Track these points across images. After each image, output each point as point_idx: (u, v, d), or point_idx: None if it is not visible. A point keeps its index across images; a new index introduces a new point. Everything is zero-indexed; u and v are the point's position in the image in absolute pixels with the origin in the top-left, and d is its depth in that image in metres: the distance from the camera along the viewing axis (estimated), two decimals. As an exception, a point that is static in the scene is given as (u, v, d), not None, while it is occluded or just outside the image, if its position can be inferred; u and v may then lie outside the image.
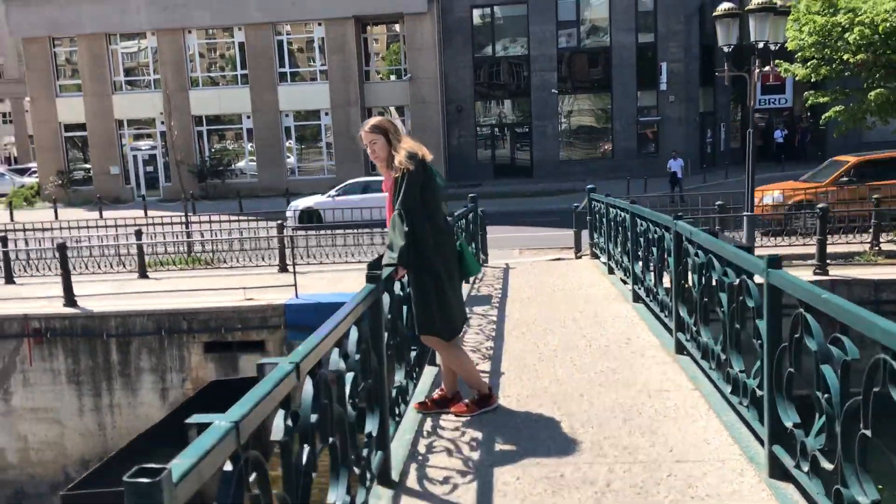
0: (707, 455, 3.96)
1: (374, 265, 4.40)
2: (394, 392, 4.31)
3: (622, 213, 9.19)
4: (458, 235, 5.70)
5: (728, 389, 4.34)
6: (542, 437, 4.34)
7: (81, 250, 15.51)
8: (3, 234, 15.68)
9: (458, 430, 4.54)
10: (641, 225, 7.77)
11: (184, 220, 19.51)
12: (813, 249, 12.47)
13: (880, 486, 2.88)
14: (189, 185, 30.81)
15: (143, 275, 14.39)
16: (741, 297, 4.04)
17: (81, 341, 12.04)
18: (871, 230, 14.08)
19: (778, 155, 35.01)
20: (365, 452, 3.39)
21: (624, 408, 4.77)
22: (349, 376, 3.11)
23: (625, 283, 9.13)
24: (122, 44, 35.61)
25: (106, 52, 34.99)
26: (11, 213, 29.08)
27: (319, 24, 34.19)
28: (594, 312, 7.97)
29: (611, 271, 10.38)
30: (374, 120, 4.60)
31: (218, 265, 15.47)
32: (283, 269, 14.18)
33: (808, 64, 16.84)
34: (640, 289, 7.90)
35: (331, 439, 2.76)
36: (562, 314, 7.98)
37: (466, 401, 4.82)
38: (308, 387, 2.52)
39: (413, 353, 4.97)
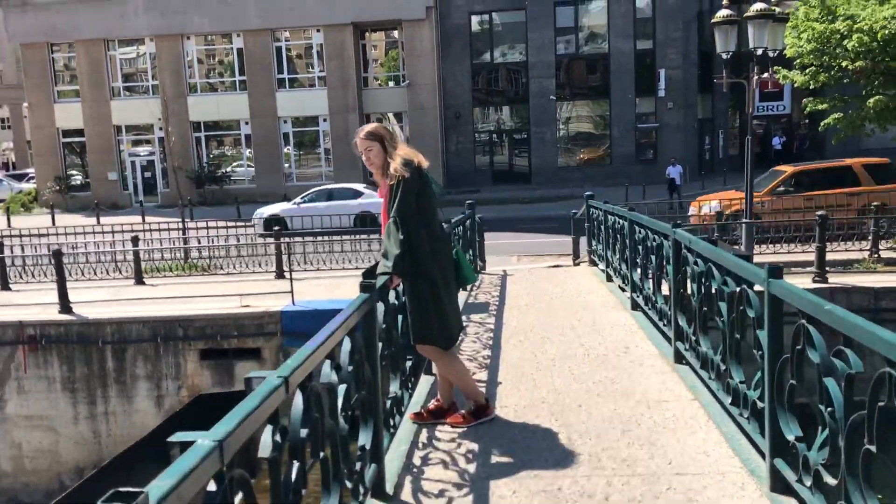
0: (707, 468, 3.89)
1: (369, 274, 4.35)
2: (388, 403, 4.24)
3: (620, 221, 9.14)
4: (455, 243, 5.64)
5: (728, 400, 4.27)
6: (540, 449, 4.27)
7: (78, 256, 15.44)
8: (-2, 240, 15.61)
9: (455, 442, 4.47)
10: (640, 232, 7.71)
11: (181, 226, 19.46)
12: (812, 257, 12.42)
13: None
14: (187, 191, 30.85)
15: (139, 281, 14.32)
16: (741, 307, 3.98)
17: (76, 348, 11.95)
18: (869, 237, 14.03)
19: (776, 162, 34.86)
20: (358, 466, 3.32)
21: (622, 419, 4.70)
22: (341, 388, 3.04)
23: (623, 290, 9.07)
24: (120, 50, 35.59)
25: (104, 58, 34.97)
26: (9, 219, 28.99)
27: (318, 31, 34.20)
28: (592, 320, 7.90)
29: (609, 279, 10.32)
30: (369, 126, 4.55)
31: (215, 271, 15.40)
32: (279, 275, 14.11)
33: (807, 71, 16.82)
34: (638, 297, 7.84)
35: (322, 454, 2.69)
36: (560, 322, 7.92)
37: (463, 411, 4.75)
38: (298, 400, 2.45)
39: (409, 363, 4.90)
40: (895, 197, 16.07)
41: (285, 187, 33.54)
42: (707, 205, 17.54)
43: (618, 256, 9.44)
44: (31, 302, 12.59)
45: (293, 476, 2.32)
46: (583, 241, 13.51)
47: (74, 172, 36.57)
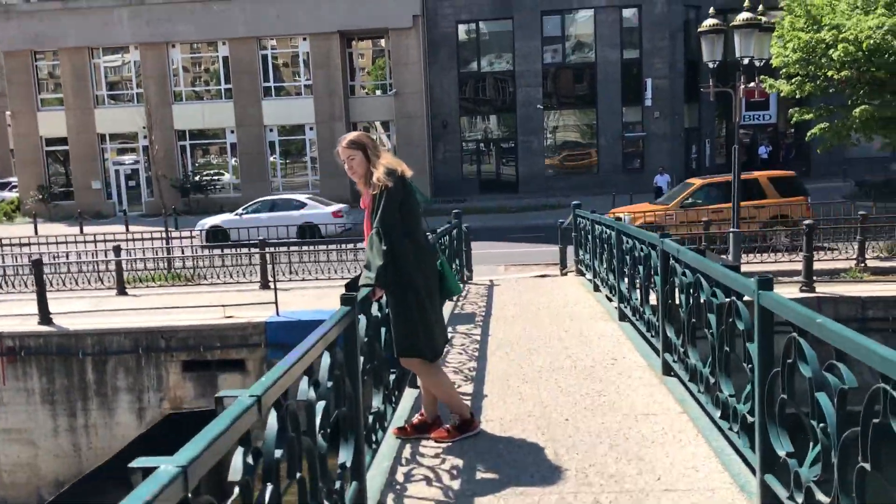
0: (696, 483, 3.81)
1: (352, 285, 4.25)
2: (371, 418, 4.13)
3: (608, 230, 9.08)
4: (441, 253, 5.55)
5: (717, 414, 4.19)
6: (526, 465, 4.18)
7: (59, 266, 15.23)
8: (-22, 249, 15.39)
9: (439, 457, 4.36)
10: (627, 242, 7.65)
11: (164, 235, 19.27)
12: (799, 266, 12.42)
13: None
14: (172, 200, 30.63)
15: (121, 291, 14.14)
16: (730, 319, 3.91)
17: (56, 360, 11.76)
18: (856, 246, 14.05)
19: (762, 170, 35.09)
20: (338, 484, 3.21)
21: (610, 432, 4.61)
22: (320, 405, 2.94)
23: (610, 300, 9.00)
24: (104, 58, 35.38)
25: (88, 66, 34.75)
26: (-9, 228, 28.66)
27: (304, 39, 34.13)
28: (579, 331, 7.83)
29: (596, 288, 10.25)
30: (351, 135, 4.45)
31: (198, 282, 15.23)
32: (264, 285, 13.96)
33: (793, 80, 16.89)
34: (626, 307, 7.77)
35: (299, 474, 2.59)
36: (547, 333, 7.83)
37: (447, 426, 4.65)
38: (272, 420, 2.35)
39: (392, 376, 4.80)
40: (797, 209, 16.42)
41: (272, 196, 33.38)
42: (618, 215, 17.68)
43: (605, 266, 9.38)
44: (10, 313, 12.38)
45: (266, 499, 2.22)
46: (570, 250, 13.45)
47: (58, 181, 36.23)
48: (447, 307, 9.52)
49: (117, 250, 14.71)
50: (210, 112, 34.86)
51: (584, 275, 11.96)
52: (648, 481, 3.86)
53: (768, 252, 14.55)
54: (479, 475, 4.07)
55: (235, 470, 2.02)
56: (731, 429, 3.97)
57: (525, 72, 34.56)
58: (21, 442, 11.82)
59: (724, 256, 13.47)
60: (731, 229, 13.60)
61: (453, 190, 34.33)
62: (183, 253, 17.59)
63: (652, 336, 6.38)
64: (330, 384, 3.10)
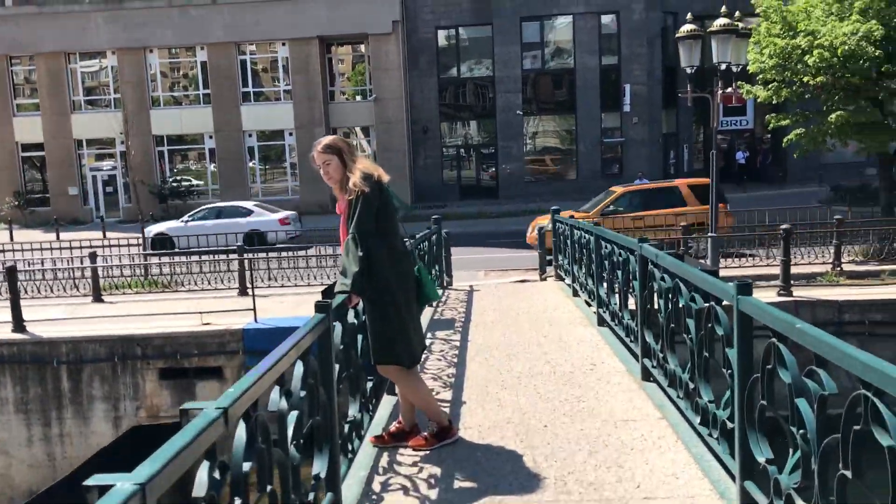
0: (676, 491, 3.77)
1: (328, 292, 4.19)
2: (347, 427, 4.06)
3: (586, 235, 9.06)
4: (417, 259, 5.49)
5: (697, 420, 4.17)
6: (504, 473, 4.12)
7: (34, 273, 15.01)
8: (-50, 256, 15.13)
9: (416, 466, 4.30)
10: (606, 247, 7.63)
11: (141, 241, 19.06)
12: (776, 270, 12.48)
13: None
14: (150, 206, 30.32)
15: (97, 298, 13.95)
16: (710, 324, 3.88)
17: (30, 368, 11.57)
18: (832, 250, 14.15)
19: (740, 176, 35.40)
20: (312, 496, 3.14)
21: (589, 439, 4.57)
22: (293, 416, 2.87)
23: (589, 305, 8.98)
24: (81, 63, 35.03)
25: (65, 71, 34.39)
26: (-36, 236, 28.23)
27: (283, 44, 33.99)
28: (559, 336, 7.79)
29: (575, 294, 10.23)
30: (326, 139, 4.38)
31: (176, 288, 15.07)
32: (242, 292, 13.83)
33: (770, 86, 16.99)
34: (605, 312, 7.74)
35: (269, 487, 2.52)
36: (526, 338, 7.79)
37: (425, 433, 4.58)
38: (241, 432, 2.28)
39: (369, 384, 4.73)
40: (716, 217, 16.38)
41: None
42: (541, 225, 17.79)
43: (584, 271, 9.36)
44: (-17, 321, 12.17)
45: (234, 514, 2.15)
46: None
47: (34, 187, 35.77)
48: (426, 313, 9.46)
49: (93, 257, 14.52)
50: (188, 117, 34.60)
51: (563, 280, 11.94)
52: (628, 489, 3.82)
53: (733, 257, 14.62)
54: (457, 484, 4.01)
55: (200, 485, 1.95)
56: (710, 435, 3.94)
57: (505, 78, 34.62)
58: (-7, 452, 11.61)
59: (702, 261, 13.53)
60: (710, 234, 13.65)
61: (434, 196, 34.30)
62: (160, 260, 17.40)
63: (631, 341, 6.35)
64: (303, 393, 3.04)
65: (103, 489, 1.54)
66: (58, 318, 12.29)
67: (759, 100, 17.71)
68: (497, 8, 33.99)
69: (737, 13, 13.86)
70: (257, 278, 14.53)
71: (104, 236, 23.47)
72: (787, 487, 2.92)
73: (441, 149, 36.09)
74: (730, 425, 3.57)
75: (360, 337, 4.46)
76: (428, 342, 7.78)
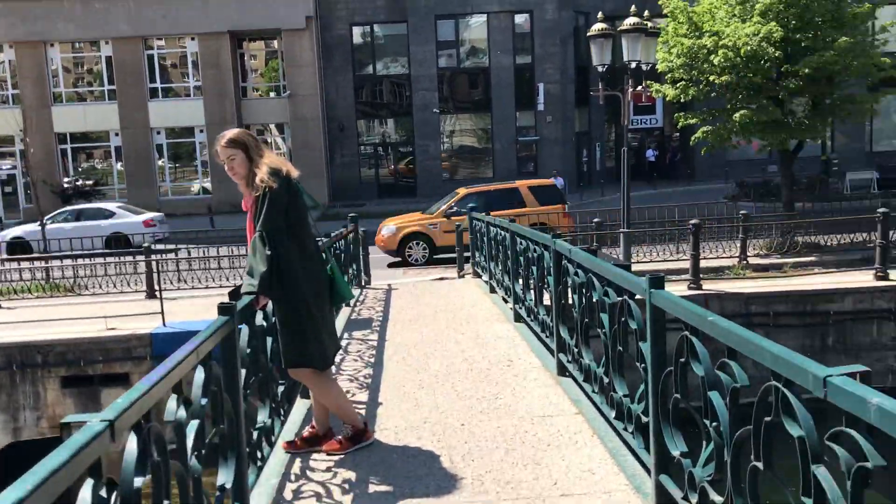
0: (592, 487, 3.76)
1: (235, 294, 4.01)
2: (256, 434, 3.89)
3: (502, 232, 9.07)
4: (331, 257, 5.34)
5: (612, 414, 4.17)
6: (421, 474, 4.03)
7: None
8: None
9: (330, 471, 4.16)
10: (521, 243, 7.64)
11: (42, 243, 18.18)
12: (686, 264, 12.79)
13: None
14: (53, 207, 28.95)
15: (-8, 304, 13.21)
16: (623, 318, 3.88)
17: (-81, 380, 10.85)
18: (738, 244, 14.62)
19: (650, 174, 36.34)
20: (216, 509, 2.98)
21: (506, 437, 4.53)
22: (193, 425, 2.70)
23: (506, 302, 8.99)
24: (-25, 57, 33.22)
25: (-43, 65, 32.56)
26: None
27: (192, 39, 33.02)
28: (476, 333, 7.76)
29: (493, 290, 10.24)
30: (230, 133, 4.19)
31: (79, 292, 14.41)
32: (150, 295, 13.32)
33: (678, 85, 17.42)
34: (521, 308, 7.75)
35: (167, 502, 2.35)
36: (444, 336, 7.73)
37: (340, 437, 4.45)
38: (132, 446, 2.11)
39: (280, 388, 4.56)
40: (554, 217, 17.28)
41: (160, 202, 32.16)
42: (387, 227, 18.54)
43: (500, 268, 9.37)
44: None
45: (124, 535, 1.98)
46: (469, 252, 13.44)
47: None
48: (343, 313, 9.30)
49: (-13, 261, 13.73)
50: (93, 114, 33.24)
51: (480, 277, 11.95)
52: (545, 486, 3.78)
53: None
54: (372, 488, 3.90)
55: (83, 505, 1.78)
56: (626, 429, 3.94)
57: (421, 76, 34.57)
58: None
59: (614, 255, 13.77)
60: (622, 229, 13.90)
61: (351, 194, 33.97)
62: (62, 262, 16.61)
63: (546, 337, 6.36)
64: (205, 401, 2.87)
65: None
66: (-51, 326, 11.56)
67: (667, 98, 18.14)
68: (412, 6, 33.90)
69: (646, 13, 14.15)
70: (166, 280, 14.04)
71: None
72: (701, 480, 2.92)
73: (358, 147, 35.77)
74: (644, 419, 3.58)
75: (269, 340, 4.29)
76: (344, 342, 7.64)
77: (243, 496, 3.34)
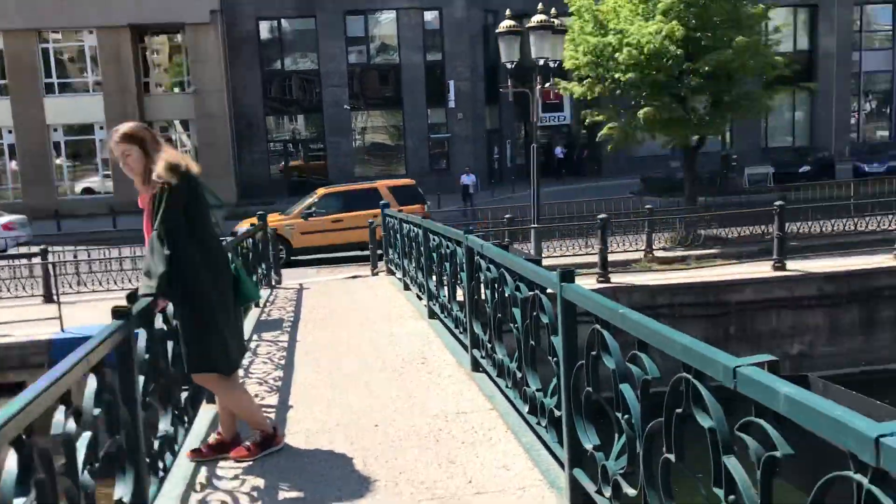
0: (507, 483, 3.73)
1: (133, 297, 3.80)
2: (157, 443, 3.70)
3: (415, 229, 9.01)
4: (237, 256, 5.15)
5: (526, 409, 4.15)
6: (333, 479, 3.92)
7: None
8: None
9: (238, 479, 4.00)
10: (434, 240, 7.59)
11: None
12: (595, 258, 13.03)
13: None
14: (-62, 208, 27.31)
15: None
16: (535, 313, 3.87)
17: None
18: (645, 238, 15.00)
19: (559, 170, 36.99)
20: (113, 525, 2.80)
21: (420, 436, 4.46)
22: (84, 437, 2.52)
23: (420, 298, 8.93)
24: None
25: None
26: None
27: (91, 32, 31.70)
28: (390, 331, 7.67)
29: (406, 287, 10.16)
30: (124, 127, 3.97)
31: (-33, 298, 13.59)
32: (48, 299, 12.69)
33: (584, 82, 17.76)
34: (435, 305, 7.70)
35: (54, 523, 2.18)
36: (357, 335, 7.61)
37: (248, 443, 4.29)
38: (11, 463, 1.94)
39: (184, 395, 4.37)
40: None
41: (58, 201, 30.77)
42: (242, 228, 18.18)
43: (414, 265, 9.30)
44: None
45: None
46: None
47: None
48: (252, 314, 9.06)
49: None
50: (-18, 111, 31.52)
51: (394, 274, 11.86)
52: (459, 485, 3.74)
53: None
54: (283, 494, 3.77)
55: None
56: (539, 424, 3.93)
57: (330, 72, 34.14)
58: None
59: (525, 250, 13.91)
60: (533, 225, 14.05)
61: (260, 192, 33.21)
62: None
63: (460, 333, 6.33)
64: (97, 412, 2.69)
65: None
66: None
67: (574, 96, 18.49)
68: (320, 1, 33.44)
69: (553, 11, 14.33)
70: (64, 283, 13.41)
71: None
72: (614, 473, 2.92)
73: (267, 144, 35.08)
74: (557, 413, 3.57)
75: (171, 344, 4.09)
76: (254, 344, 7.42)
77: (143, 510, 3.16)
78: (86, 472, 2.51)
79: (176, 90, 34.45)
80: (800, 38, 36.47)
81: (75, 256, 15.42)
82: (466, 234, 5.72)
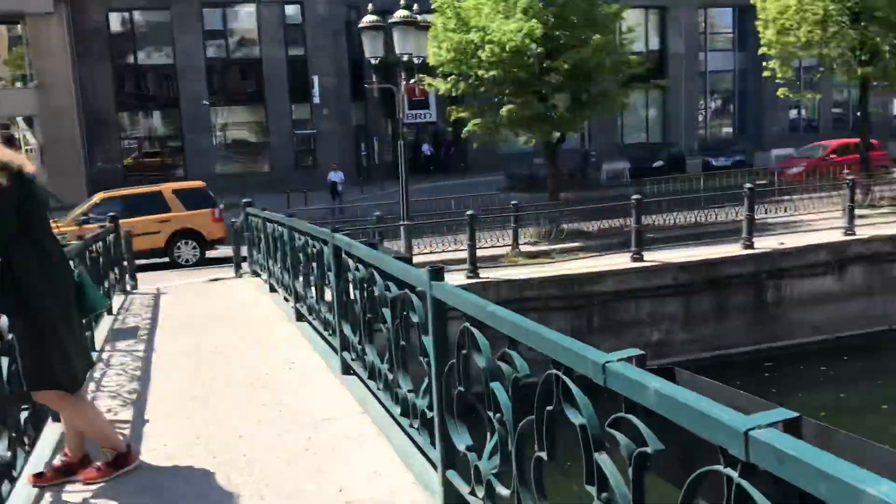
0: (379, 489, 3.62)
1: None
2: (-9, 471, 3.35)
3: (280, 228, 8.72)
4: (80, 263, 4.77)
5: (398, 411, 4.06)
6: (193, 497, 3.68)
7: None
8: None
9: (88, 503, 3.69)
10: (299, 239, 7.36)
11: None
12: (465, 254, 13.13)
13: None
14: None
15: None
16: (405, 312, 3.78)
17: None
18: (511, 233, 15.26)
19: (427, 167, 37.18)
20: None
21: (288, 445, 4.27)
22: None
23: (287, 301, 8.65)
24: None
25: None
26: None
27: (-85, 21, 29.05)
28: (255, 336, 7.40)
29: (273, 289, 9.85)
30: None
31: None
32: None
33: (448, 79, 17.85)
34: (302, 307, 7.48)
35: None
36: (220, 341, 7.28)
37: (98, 464, 3.96)
38: None
39: (24, 415, 3.99)
40: (203, 220, 17.32)
41: None
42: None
43: (279, 265, 9.01)
44: None
45: None
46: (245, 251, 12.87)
47: None
48: (104, 323, 8.51)
49: None
50: None
51: (259, 276, 11.48)
52: (330, 495, 3.59)
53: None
54: (138, 518, 3.50)
55: None
56: (412, 426, 3.84)
57: (187, 67, 32.79)
58: None
59: (395, 248, 13.84)
60: (402, 222, 13.99)
61: (114, 192, 31.54)
62: None
63: (330, 335, 6.15)
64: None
65: None
66: None
67: (440, 92, 18.56)
68: (175, -7, 32.07)
69: (416, 7, 14.30)
70: None
71: None
72: (487, 473, 2.87)
73: (121, 141, 33.31)
74: (429, 414, 3.49)
75: (5, 360, 3.72)
76: (106, 355, 6.96)
77: (-26, 549, 2.83)
78: None
79: (18, 84, 32.12)
80: (651, 39, 38.33)
81: None
82: (333, 232, 5.56)
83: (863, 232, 14.65)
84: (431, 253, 14.59)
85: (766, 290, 13.81)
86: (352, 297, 5.14)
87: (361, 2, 32.90)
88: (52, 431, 4.68)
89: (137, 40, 33.25)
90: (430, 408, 3.46)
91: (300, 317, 7.63)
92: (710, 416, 1.57)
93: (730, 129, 42.05)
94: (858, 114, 24.02)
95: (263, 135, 34.82)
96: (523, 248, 15.19)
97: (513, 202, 15.93)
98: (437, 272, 3.27)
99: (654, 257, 13.45)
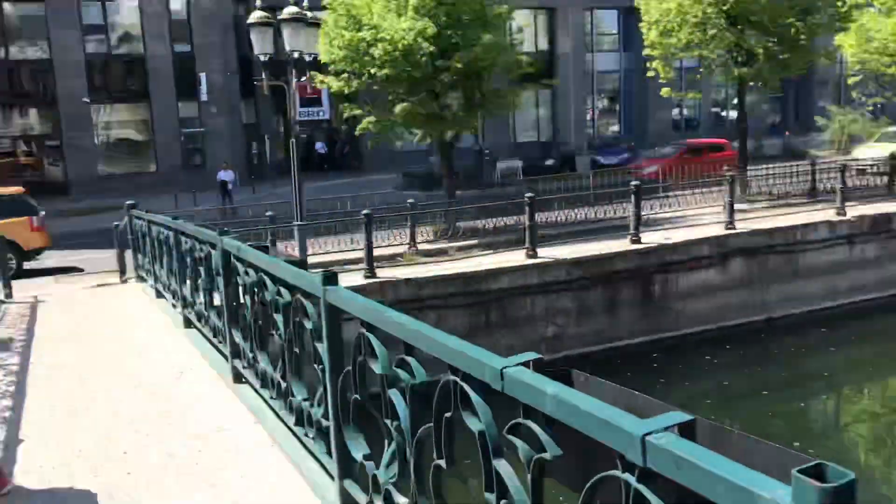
0: (274, 501, 3.50)
1: None
2: None
3: (165, 231, 8.37)
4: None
5: (292, 421, 3.94)
6: (73, 521, 3.46)
7: None
8: None
9: (-47, 536, 3.41)
10: (186, 243, 7.07)
11: None
12: (362, 254, 12.98)
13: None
14: None
15: None
16: (298, 318, 3.66)
17: None
18: (408, 232, 15.22)
19: (321, 166, 36.67)
20: None
21: (177, 460, 4.08)
22: None
23: (175, 307, 8.32)
24: None
25: None
26: None
27: None
28: (142, 345, 7.07)
29: (159, 295, 9.44)
30: None
31: None
32: None
33: (341, 77, 17.63)
34: (191, 313, 7.19)
35: None
36: (104, 351, 6.93)
37: (-34, 491, 3.67)
38: None
39: None
40: (19, 230, 15.77)
41: None
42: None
43: (166, 270, 8.65)
44: None
45: None
46: (130, 255, 12.31)
47: None
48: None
49: None
50: None
51: (145, 281, 11.01)
52: (223, 511, 3.45)
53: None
54: (11, 548, 3.26)
55: None
56: (307, 435, 3.74)
57: (65, 62, 31.10)
58: None
59: (289, 250, 13.56)
60: (296, 223, 13.71)
61: (-14, 196, 29.63)
62: None
63: (220, 342, 5.93)
64: None
65: None
66: None
67: (332, 90, 18.31)
68: (50, -16, 30.39)
69: (305, 3, 14.03)
70: None
71: None
72: (386, 482, 2.81)
73: (-8, 141, 31.34)
74: (325, 423, 3.40)
75: None
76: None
77: None
78: None
79: None
80: (540, 40, 39.06)
81: None
82: (222, 235, 5.36)
83: (742, 226, 15.37)
84: (327, 253, 14.36)
85: (654, 284, 14.30)
86: (242, 301, 4.96)
87: (250, -3, 32.30)
88: (-88, 457, 4.32)
89: (8, 34, 31.32)
90: (326, 417, 3.37)
91: (189, 323, 7.34)
92: (607, 422, 1.55)
93: (616, 128, 43.37)
94: (736, 113, 25.28)
95: (149, 133, 33.48)
96: (421, 247, 15.18)
97: (409, 201, 15.89)
98: (330, 277, 3.18)
99: (547, 254, 13.69)
